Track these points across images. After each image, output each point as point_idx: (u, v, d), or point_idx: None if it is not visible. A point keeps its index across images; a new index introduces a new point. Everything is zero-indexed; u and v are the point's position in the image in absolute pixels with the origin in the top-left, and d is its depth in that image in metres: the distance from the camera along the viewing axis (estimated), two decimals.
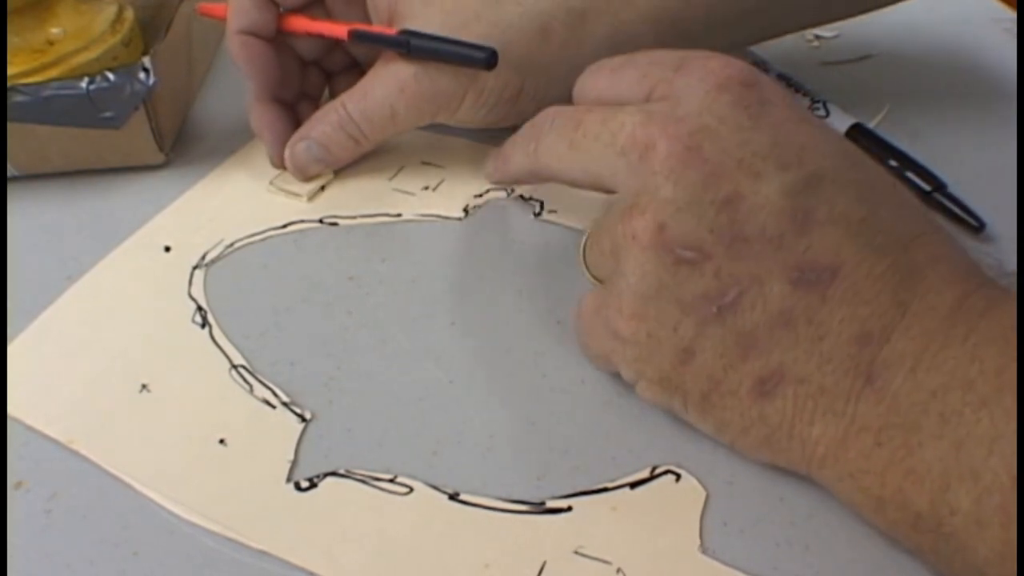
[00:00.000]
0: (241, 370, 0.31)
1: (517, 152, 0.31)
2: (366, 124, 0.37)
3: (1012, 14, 0.53)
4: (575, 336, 0.30)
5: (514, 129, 0.33)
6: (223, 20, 0.38)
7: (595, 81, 0.29)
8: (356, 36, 0.36)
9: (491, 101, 0.37)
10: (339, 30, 0.37)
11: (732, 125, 0.25)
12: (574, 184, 0.29)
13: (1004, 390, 0.22)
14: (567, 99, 0.31)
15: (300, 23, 0.38)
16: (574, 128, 0.27)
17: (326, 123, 0.38)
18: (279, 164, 0.39)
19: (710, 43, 0.41)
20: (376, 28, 0.37)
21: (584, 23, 0.36)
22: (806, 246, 0.24)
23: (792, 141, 0.25)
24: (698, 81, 0.26)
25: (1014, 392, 0.22)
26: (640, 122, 0.25)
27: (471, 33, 0.35)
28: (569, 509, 0.26)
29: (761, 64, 0.46)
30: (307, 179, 0.39)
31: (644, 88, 0.27)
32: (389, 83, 0.36)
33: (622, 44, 0.36)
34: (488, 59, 0.34)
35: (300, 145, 0.38)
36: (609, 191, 0.27)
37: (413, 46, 0.35)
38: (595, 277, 0.29)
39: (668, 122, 0.25)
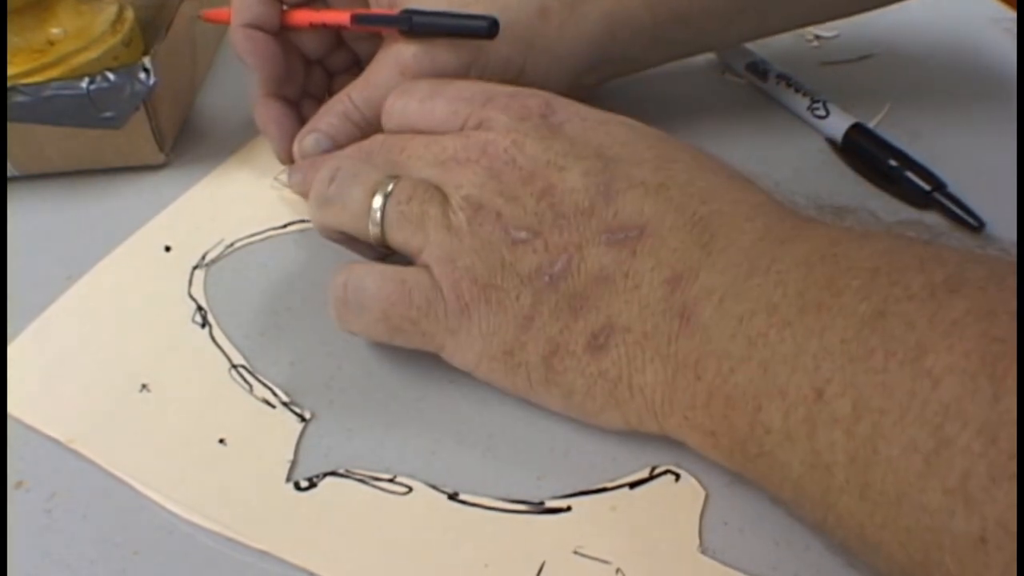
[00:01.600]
0: (241, 370, 0.31)
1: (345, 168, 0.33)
2: (371, 112, 0.37)
3: (1012, 14, 0.53)
4: (340, 307, 0.30)
5: None
6: (227, 23, 0.38)
7: (405, 108, 0.33)
8: (358, 19, 0.37)
9: (493, 81, 0.37)
10: (342, 16, 0.37)
11: (535, 139, 0.29)
12: None
13: (805, 309, 0.23)
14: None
15: (303, 15, 0.38)
16: (399, 151, 0.31)
17: (332, 114, 0.38)
18: (286, 159, 0.39)
19: (708, 36, 0.41)
20: (377, 10, 0.37)
21: (582, 3, 0.36)
22: (614, 212, 0.27)
23: (587, 143, 0.29)
24: (502, 112, 0.30)
25: (816, 311, 0.23)
26: (461, 145, 0.30)
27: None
28: (568, 509, 0.27)
29: (761, 64, 0.46)
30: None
31: (458, 120, 0.31)
32: (390, 67, 0.36)
33: (619, 26, 0.37)
34: (489, 27, 0.34)
35: (309, 138, 0.38)
36: None
37: (415, 22, 0.35)
38: (388, 251, 0.31)
39: (485, 145, 0.29)
